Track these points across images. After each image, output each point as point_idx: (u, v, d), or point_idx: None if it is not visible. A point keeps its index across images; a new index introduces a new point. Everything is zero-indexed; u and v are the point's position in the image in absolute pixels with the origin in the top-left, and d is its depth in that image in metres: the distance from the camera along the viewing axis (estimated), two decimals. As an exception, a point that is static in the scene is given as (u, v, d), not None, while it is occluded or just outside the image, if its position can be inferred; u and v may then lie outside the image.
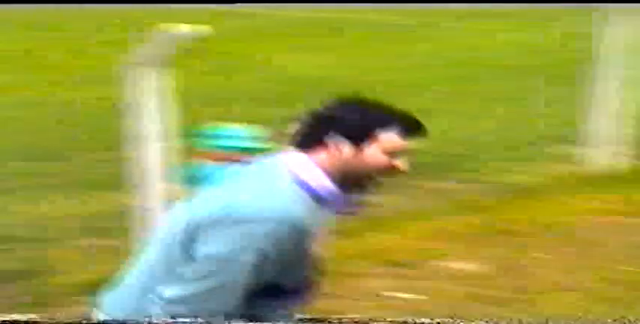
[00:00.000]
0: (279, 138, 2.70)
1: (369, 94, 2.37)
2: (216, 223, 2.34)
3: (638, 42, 6.40)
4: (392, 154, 2.40)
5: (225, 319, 2.42)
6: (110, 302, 2.60)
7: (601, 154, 6.43)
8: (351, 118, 2.41)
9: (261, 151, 3.36)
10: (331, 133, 2.40)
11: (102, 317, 2.62)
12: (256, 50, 12.78)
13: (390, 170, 2.42)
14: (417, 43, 13.59)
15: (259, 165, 2.50)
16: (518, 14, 16.26)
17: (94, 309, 2.64)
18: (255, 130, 3.74)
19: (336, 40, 14.31)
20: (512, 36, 14.03)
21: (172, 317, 2.37)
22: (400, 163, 2.44)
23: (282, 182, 2.39)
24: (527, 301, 4.17)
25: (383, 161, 2.40)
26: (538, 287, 4.35)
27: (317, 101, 2.40)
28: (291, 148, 2.47)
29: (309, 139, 2.43)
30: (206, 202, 2.43)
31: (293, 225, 2.34)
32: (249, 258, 2.32)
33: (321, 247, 2.53)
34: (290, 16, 16.76)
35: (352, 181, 2.43)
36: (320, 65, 11.64)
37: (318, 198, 2.41)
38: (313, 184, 2.42)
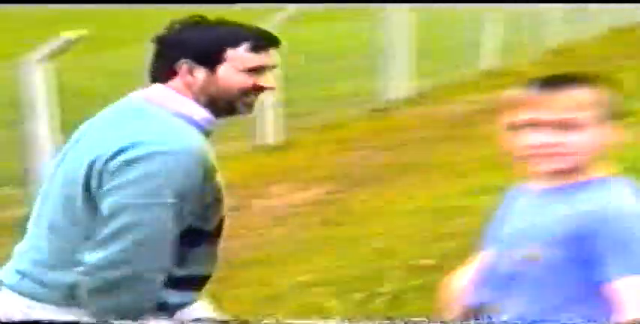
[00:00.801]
0: None
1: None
2: (117, 167, 2.06)
3: (68, 85, 6.66)
4: (250, 71, 2.22)
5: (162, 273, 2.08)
6: (14, 278, 2.24)
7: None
8: (196, 40, 2.21)
9: None
10: (181, 59, 2.20)
11: (9, 294, 2.23)
12: None
13: (255, 89, 2.24)
14: None
15: (123, 106, 2.23)
16: None
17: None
18: None
19: None
20: None
21: (109, 283, 2.01)
22: (263, 79, 2.25)
23: (161, 115, 2.16)
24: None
25: (241, 80, 2.22)
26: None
27: None
28: (148, 82, 2.19)
29: (161, 68, 2.23)
30: (92, 150, 2.12)
31: (197, 155, 2.09)
32: (165, 198, 2.05)
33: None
34: None
35: (220, 105, 2.23)
36: None
37: (197, 126, 2.16)
38: (187, 113, 2.16)
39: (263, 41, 2.24)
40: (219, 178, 2.23)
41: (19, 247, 2.30)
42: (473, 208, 5.61)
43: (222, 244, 5.76)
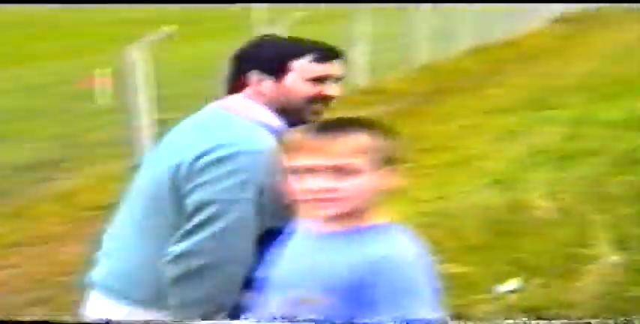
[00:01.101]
0: None
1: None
2: (202, 167, 2.18)
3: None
4: (315, 81, 2.34)
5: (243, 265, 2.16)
6: (106, 278, 2.36)
7: None
8: (265, 53, 2.37)
9: None
10: (251, 71, 2.35)
11: (99, 296, 2.34)
12: None
13: (320, 97, 2.36)
14: None
15: (204, 115, 2.39)
16: None
17: (88, 289, 2.40)
18: None
19: None
20: None
21: (192, 271, 2.09)
22: (327, 88, 2.36)
23: (240, 121, 2.30)
24: None
25: (307, 89, 2.34)
26: None
27: None
28: (225, 94, 2.40)
29: (235, 81, 2.40)
30: (177, 155, 2.24)
31: (273, 155, 2.18)
32: (247, 194, 2.18)
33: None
34: None
35: (288, 113, 2.35)
36: None
37: (272, 132, 2.31)
38: (262, 119, 2.29)
39: (326, 52, 2.38)
40: None
41: (108, 249, 2.40)
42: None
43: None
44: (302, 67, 2.35)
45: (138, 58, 8.75)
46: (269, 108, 2.35)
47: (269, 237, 2.26)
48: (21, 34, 24.98)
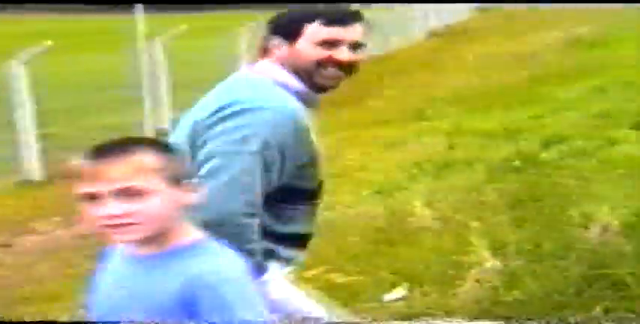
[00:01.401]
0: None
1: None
2: (213, 122, 2.26)
3: None
4: (326, 44, 2.37)
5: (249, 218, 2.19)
6: None
7: None
8: (282, 20, 2.45)
9: None
10: (270, 36, 2.44)
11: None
12: None
13: (329, 61, 2.38)
14: None
15: (234, 77, 2.46)
16: None
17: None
18: None
19: None
20: None
21: (200, 226, 2.01)
22: (338, 53, 2.37)
23: (259, 82, 2.36)
24: None
25: (316, 53, 2.37)
26: None
27: None
28: (257, 58, 2.48)
29: (261, 46, 2.48)
30: (197, 113, 2.33)
31: (288, 114, 2.27)
32: (252, 147, 2.20)
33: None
34: None
35: (303, 77, 2.39)
36: None
37: (294, 93, 2.37)
38: (283, 81, 2.38)
39: (337, 16, 2.40)
40: (315, 140, 2.41)
41: None
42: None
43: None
44: (312, 31, 2.40)
45: (16, 73, 8.53)
46: (288, 71, 2.42)
47: (289, 195, 2.36)
48: None
